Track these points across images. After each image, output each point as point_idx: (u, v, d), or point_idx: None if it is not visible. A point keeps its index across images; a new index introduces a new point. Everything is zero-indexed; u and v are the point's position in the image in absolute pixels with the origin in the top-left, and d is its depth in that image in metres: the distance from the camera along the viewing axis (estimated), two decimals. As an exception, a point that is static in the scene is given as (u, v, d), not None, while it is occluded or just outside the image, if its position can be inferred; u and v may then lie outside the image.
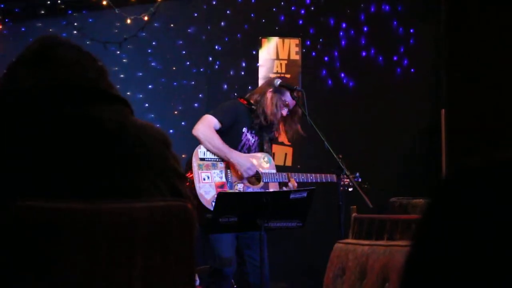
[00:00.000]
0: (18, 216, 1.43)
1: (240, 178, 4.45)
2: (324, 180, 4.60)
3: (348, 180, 4.53)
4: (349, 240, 3.36)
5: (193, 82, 6.46)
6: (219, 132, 4.40)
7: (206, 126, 4.36)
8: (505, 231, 0.76)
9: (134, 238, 1.53)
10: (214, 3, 6.43)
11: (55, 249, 1.46)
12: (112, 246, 1.50)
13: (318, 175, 4.62)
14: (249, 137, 4.53)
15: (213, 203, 4.08)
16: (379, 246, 3.05)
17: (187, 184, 4.05)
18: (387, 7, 6.20)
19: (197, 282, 4.65)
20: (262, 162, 4.57)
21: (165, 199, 1.62)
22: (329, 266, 3.24)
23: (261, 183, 4.51)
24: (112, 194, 1.55)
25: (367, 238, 3.35)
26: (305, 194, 3.74)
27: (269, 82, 4.69)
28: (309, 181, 4.58)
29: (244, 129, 4.51)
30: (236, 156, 4.39)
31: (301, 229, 3.90)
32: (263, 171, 4.54)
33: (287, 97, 4.52)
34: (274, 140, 4.91)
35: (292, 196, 3.72)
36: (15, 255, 1.43)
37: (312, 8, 6.29)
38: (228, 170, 4.43)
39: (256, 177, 4.53)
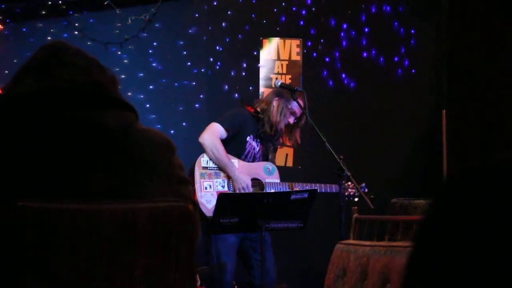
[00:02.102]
0: (19, 216, 1.43)
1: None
2: (329, 191, 4.60)
3: (353, 190, 4.53)
4: (350, 241, 3.35)
5: (194, 83, 6.46)
6: (225, 140, 4.40)
7: (212, 135, 4.37)
8: (506, 231, 0.76)
9: (136, 239, 1.53)
10: (215, 3, 6.43)
11: (56, 249, 1.46)
12: (113, 246, 1.50)
13: (322, 185, 4.62)
14: (254, 145, 4.54)
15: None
16: (380, 247, 3.04)
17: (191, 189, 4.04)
18: (388, 8, 6.20)
19: (198, 283, 4.65)
20: (266, 172, 4.57)
21: (166, 200, 1.61)
22: (330, 267, 3.24)
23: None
24: (114, 195, 1.55)
25: (368, 239, 3.35)
26: (306, 195, 3.74)
27: (275, 91, 4.68)
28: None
29: (249, 138, 4.51)
30: (235, 172, 4.39)
31: (302, 230, 3.90)
32: (267, 180, 4.55)
33: (294, 105, 4.52)
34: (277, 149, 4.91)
35: (293, 197, 3.72)
36: (15, 255, 1.43)
37: (313, 9, 6.29)
38: (231, 179, 4.43)
39: (260, 186, 4.54)
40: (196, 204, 1.72)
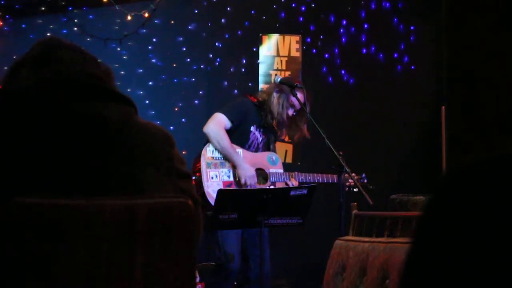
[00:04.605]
0: (18, 215, 1.43)
1: None
2: (330, 181, 4.61)
3: (353, 181, 4.54)
4: (350, 237, 3.36)
5: (193, 79, 6.46)
6: (228, 130, 4.42)
7: (217, 125, 4.39)
8: (504, 229, 0.76)
9: (135, 235, 1.53)
10: (214, 0, 6.42)
11: (56, 247, 1.45)
12: (113, 243, 1.50)
13: (324, 175, 4.63)
14: (257, 136, 4.56)
15: None
16: (379, 243, 3.04)
17: (193, 183, 4.05)
18: (387, 4, 6.19)
19: (197, 279, 4.66)
20: (269, 161, 4.58)
21: (165, 196, 1.61)
22: (329, 263, 3.24)
23: (268, 183, 4.52)
24: (114, 192, 1.55)
25: (367, 235, 3.35)
26: (305, 191, 3.74)
27: (275, 84, 4.70)
28: (314, 181, 4.59)
29: (252, 128, 4.53)
30: (241, 162, 4.41)
31: (302, 226, 3.90)
32: (271, 170, 4.56)
33: (293, 98, 4.54)
34: (278, 140, 4.94)
35: (292, 193, 3.72)
36: (14, 254, 1.43)
37: (313, 5, 6.29)
38: (236, 167, 4.44)
39: (263, 176, 4.55)
40: (197, 200, 1.71)
